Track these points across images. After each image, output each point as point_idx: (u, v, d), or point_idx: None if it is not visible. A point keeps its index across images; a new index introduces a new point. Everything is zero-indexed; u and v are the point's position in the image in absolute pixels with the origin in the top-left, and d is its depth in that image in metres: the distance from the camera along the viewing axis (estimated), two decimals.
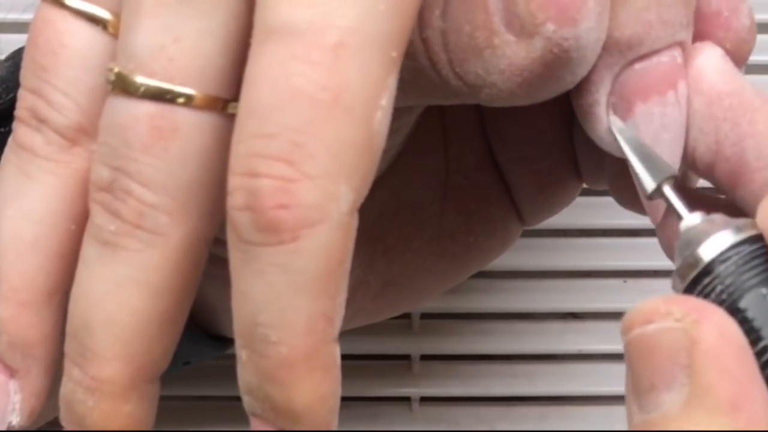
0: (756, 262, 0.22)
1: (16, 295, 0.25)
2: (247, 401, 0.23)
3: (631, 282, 0.43)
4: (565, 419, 0.44)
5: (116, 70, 0.23)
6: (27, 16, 0.37)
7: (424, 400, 0.44)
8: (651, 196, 0.24)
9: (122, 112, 0.23)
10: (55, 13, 0.25)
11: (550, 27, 0.23)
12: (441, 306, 0.43)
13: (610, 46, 0.24)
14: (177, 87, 0.23)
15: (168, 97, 0.23)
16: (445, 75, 0.24)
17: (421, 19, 0.24)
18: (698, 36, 0.26)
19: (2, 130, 0.29)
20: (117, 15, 0.25)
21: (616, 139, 0.25)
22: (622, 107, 0.25)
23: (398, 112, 0.23)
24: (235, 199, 0.22)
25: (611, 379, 0.43)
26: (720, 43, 0.26)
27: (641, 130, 0.25)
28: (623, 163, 0.25)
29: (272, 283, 0.22)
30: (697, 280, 0.23)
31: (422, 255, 0.33)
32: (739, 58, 0.26)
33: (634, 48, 0.24)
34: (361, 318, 0.34)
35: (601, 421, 0.44)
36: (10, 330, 0.25)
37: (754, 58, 0.28)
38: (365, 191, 0.22)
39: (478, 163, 0.32)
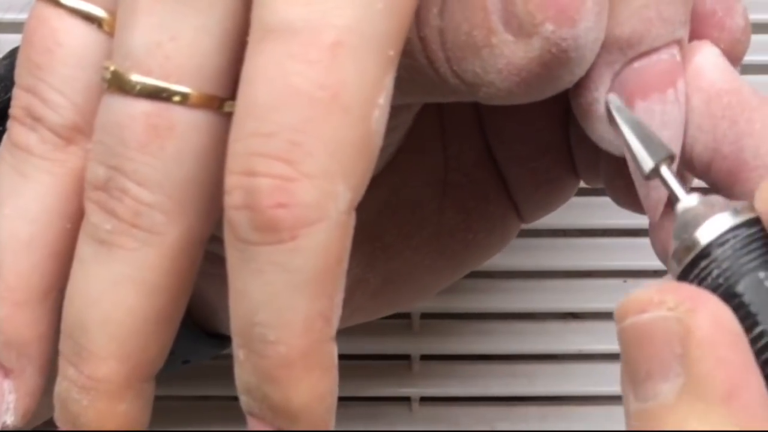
0: (754, 245, 0.22)
1: (11, 295, 0.25)
2: (244, 401, 0.23)
3: (631, 282, 0.43)
4: (565, 419, 0.44)
5: (112, 68, 0.23)
6: (24, 16, 0.37)
7: (424, 400, 0.44)
8: (648, 176, 0.24)
9: (118, 111, 0.23)
10: (50, 12, 0.25)
11: (549, 27, 0.23)
12: (441, 306, 0.43)
13: (609, 44, 0.24)
14: (173, 85, 0.23)
15: (164, 95, 0.23)
16: (443, 73, 0.24)
17: (419, 18, 0.24)
18: (692, 36, 0.25)
19: (1, 129, 0.29)
20: (112, 13, 0.25)
21: (615, 138, 0.25)
22: None
23: (396, 110, 0.23)
24: (232, 198, 0.22)
25: (611, 379, 0.43)
26: (714, 43, 0.26)
27: None
28: (620, 162, 0.25)
29: (270, 283, 0.22)
30: (694, 263, 0.22)
31: (421, 252, 0.33)
32: (733, 58, 0.26)
33: (634, 46, 0.24)
34: (360, 316, 0.34)
35: (601, 421, 0.44)
36: (5, 329, 0.25)
37: (751, 58, 0.28)
38: (363, 190, 0.22)
39: (477, 160, 0.32)
